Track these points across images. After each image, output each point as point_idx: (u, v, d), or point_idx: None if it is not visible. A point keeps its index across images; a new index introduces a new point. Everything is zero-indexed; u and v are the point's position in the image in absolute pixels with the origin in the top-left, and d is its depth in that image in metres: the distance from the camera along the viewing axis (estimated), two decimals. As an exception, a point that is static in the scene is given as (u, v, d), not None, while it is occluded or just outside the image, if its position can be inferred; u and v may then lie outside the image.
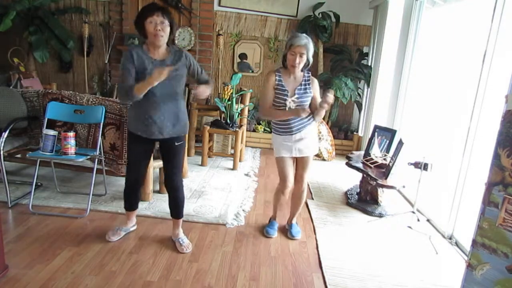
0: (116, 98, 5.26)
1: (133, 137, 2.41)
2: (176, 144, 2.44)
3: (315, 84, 2.68)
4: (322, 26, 5.32)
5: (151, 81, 2.13)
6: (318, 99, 2.62)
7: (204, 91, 2.38)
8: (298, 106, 2.57)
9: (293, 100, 2.57)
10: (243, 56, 5.81)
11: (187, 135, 2.65)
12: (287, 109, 2.57)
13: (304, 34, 2.52)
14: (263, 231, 2.93)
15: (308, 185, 4.10)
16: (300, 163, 2.77)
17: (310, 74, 2.66)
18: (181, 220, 2.65)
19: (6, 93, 3.24)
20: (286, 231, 2.95)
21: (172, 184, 2.53)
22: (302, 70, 2.61)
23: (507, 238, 1.81)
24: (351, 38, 5.74)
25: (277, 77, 2.60)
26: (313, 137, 2.74)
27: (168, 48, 2.36)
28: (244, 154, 4.90)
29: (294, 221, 2.99)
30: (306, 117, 2.61)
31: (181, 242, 2.59)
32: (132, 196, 2.64)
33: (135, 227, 2.79)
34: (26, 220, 2.78)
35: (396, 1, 4.64)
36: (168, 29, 2.24)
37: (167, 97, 2.33)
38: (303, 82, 2.62)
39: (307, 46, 2.49)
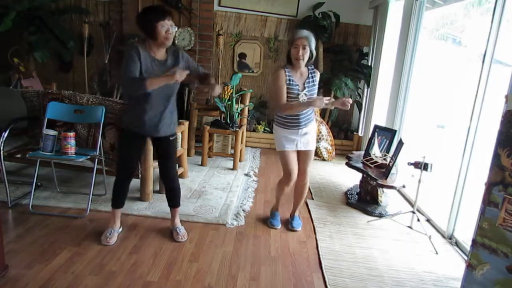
0: (116, 97, 5.28)
1: (129, 133, 2.51)
2: (171, 138, 2.57)
3: (318, 75, 2.81)
4: (322, 26, 5.32)
5: (170, 79, 2.25)
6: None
7: (218, 89, 2.55)
8: (309, 99, 2.65)
9: (305, 94, 2.67)
10: (242, 56, 5.81)
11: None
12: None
13: (305, 30, 2.64)
14: (267, 222, 3.05)
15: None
16: (303, 157, 2.85)
17: (313, 67, 2.78)
18: (178, 209, 2.77)
19: (6, 93, 3.24)
20: (287, 224, 3.05)
21: (168, 176, 2.65)
22: (306, 65, 2.70)
23: (507, 238, 1.81)
24: (351, 38, 5.73)
25: (286, 73, 2.65)
26: (315, 132, 2.89)
27: (166, 49, 2.45)
28: (244, 154, 4.90)
29: (296, 214, 3.09)
30: (311, 112, 2.76)
31: (178, 231, 2.70)
32: (123, 193, 2.65)
33: (121, 229, 2.74)
34: (26, 220, 2.78)
35: (396, 1, 4.64)
36: (174, 31, 2.35)
37: (165, 97, 2.44)
38: (309, 75, 2.73)
39: (309, 37, 2.58)
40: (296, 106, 2.64)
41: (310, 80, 2.72)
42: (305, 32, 2.59)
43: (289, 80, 2.65)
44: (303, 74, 2.71)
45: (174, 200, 2.72)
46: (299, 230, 2.99)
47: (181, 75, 2.25)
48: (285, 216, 3.17)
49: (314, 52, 2.65)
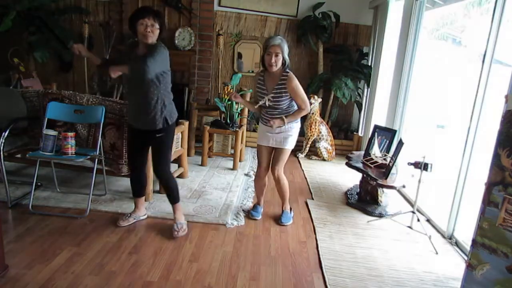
0: (116, 97, 5.28)
1: (128, 127, 2.73)
2: (157, 135, 2.61)
3: (292, 82, 2.77)
4: (322, 26, 5.32)
5: (119, 69, 2.45)
6: (301, 96, 2.81)
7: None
8: (275, 104, 2.82)
9: (269, 99, 2.83)
10: (239, 56, 5.81)
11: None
12: (261, 103, 2.86)
13: (279, 36, 2.80)
14: (249, 214, 3.17)
15: (308, 184, 4.12)
16: (275, 154, 3.01)
17: (288, 73, 2.79)
18: (177, 205, 2.82)
19: (6, 93, 3.24)
20: (278, 220, 3.14)
21: (157, 173, 2.75)
22: (283, 69, 2.80)
23: (507, 238, 1.81)
24: (351, 38, 5.73)
25: (259, 78, 2.91)
26: (293, 133, 2.94)
27: (145, 45, 2.50)
28: (244, 154, 4.90)
29: (286, 209, 3.20)
30: (281, 112, 2.85)
31: (175, 226, 2.75)
32: (135, 184, 2.85)
33: (145, 216, 2.95)
34: (26, 220, 2.78)
35: (396, 1, 4.64)
36: (157, 31, 2.47)
37: (136, 87, 2.53)
38: (279, 82, 2.80)
39: (281, 45, 2.71)
40: (247, 104, 3.17)
41: (280, 84, 2.79)
42: (277, 40, 2.71)
43: (259, 83, 2.89)
44: (274, 79, 2.82)
45: (170, 197, 2.81)
46: (287, 225, 3.09)
47: (76, 48, 2.54)
48: (273, 215, 3.25)
49: (288, 59, 2.78)
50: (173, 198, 2.79)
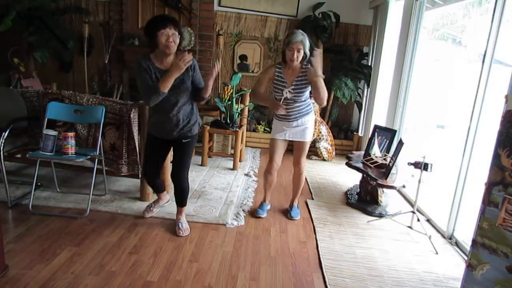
0: (116, 97, 5.28)
1: (150, 137, 2.71)
2: (184, 141, 2.65)
3: (312, 70, 2.83)
4: (322, 26, 5.32)
5: (177, 69, 2.34)
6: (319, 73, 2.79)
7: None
8: (295, 96, 2.85)
9: (289, 91, 2.85)
10: (243, 57, 5.80)
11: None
12: (283, 98, 2.86)
13: (300, 31, 2.78)
14: (254, 212, 3.19)
15: (308, 184, 4.11)
16: (295, 147, 3.07)
17: (308, 65, 2.85)
18: (184, 208, 2.86)
19: (6, 93, 3.24)
20: (287, 214, 3.23)
21: (178, 177, 2.72)
22: (300, 63, 2.83)
23: (507, 238, 1.81)
24: (351, 38, 5.73)
25: (277, 70, 2.90)
26: (310, 125, 3.01)
27: (175, 55, 2.48)
28: (244, 154, 4.90)
29: (295, 204, 3.27)
30: (304, 107, 2.92)
31: (180, 226, 2.80)
32: (154, 185, 2.93)
33: (169, 202, 3.08)
34: (26, 220, 2.78)
35: (396, 1, 4.64)
36: (178, 39, 2.42)
37: (173, 101, 2.51)
38: (300, 74, 2.85)
39: (303, 41, 2.74)
40: (259, 97, 3.04)
41: (299, 78, 2.84)
42: (300, 36, 2.73)
43: (277, 76, 2.89)
44: (294, 72, 2.85)
45: (181, 200, 2.81)
46: (297, 219, 3.16)
47: (184, 61, 2.31)
48: (285, 207, 3.33)
49: (308, 53, 2.81)
50: (185, 201, 2.82)
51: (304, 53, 2.77)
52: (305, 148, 3.05)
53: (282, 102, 2.87)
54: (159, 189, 2.97)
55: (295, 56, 2.73)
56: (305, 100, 2.92)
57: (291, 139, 3.00)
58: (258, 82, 3.01)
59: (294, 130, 2.95)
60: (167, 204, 3.07)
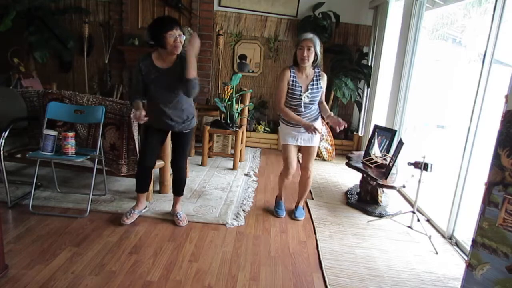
0: (116, 97, 5.28)
1: (149, 128, 2.75)
2: (184, 132, 2.77)
3: (325, 78, 2.96)
4: (322, 26, 5.32)
5: (191, 56, 2.41)
6: (324, 93, 2.94)
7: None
8: (311, 101, 2.87)
9: (306, 96, 2.84)
10: (242, 57, 5.80)
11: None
12: (302, 103, 2.84)
13: (310, 32, 2.82)
14: (273, 211, 3.27)
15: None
16: (304, 152, 3.06)
17: (320, 70, 2.91)
18: (181, 198, 2.98)
19: (6, 93, 3.24)
20: (291, 214, 3.26)
21: (177, 166, 2.85)
22: (312, 67, 2.86)
23: (507, 238, 1.81)
24: (351, 38, 5.73)
25: (291, 73, 2.86)
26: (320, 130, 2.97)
27: (182, 56, 2.57)
28: (244, 154, 4.90)
29: (301, 205, 3.29)
30: (316, 112, 2.93)
31: (179, 216, 2.91)
32: (144, 178, 2.92)
33: (147, 209, 3.04)
34: (26, 220, 2.78)
35: (396, 1, 4.64)
36: (183, 40, 2.53)
37: (168, 93, 2.61)
38: (314, 78, 2.88)
39: (313, 39, 2.75)
40: (292, 117, 2.86)
41: (315, 83, 2.87)
42: (310, 34, 2.75)
43: (293, 81, 2.84)
44: (308, 77, 2.87)
45: (178, 189, 2.94)
46: (301, 220, 3.19)
47: (193, 42, 2.41)
48: (291, 207, 3.34)
49: (319, 54, 2.82)
50: (182, 190, 2.94)
51: (315, 53, 2.76)
52: (314, 152, 3.06)
53: (303, 107, 2.87)
54: (145, 186, 2.93)
55: (306, 54, 2.71)
56: (317, 106, 2.94)
57: (301, 145, 2.99)
58: (279, 92, 2.87)
59: (305, 135, 2.94)
60: (146, 210, 3.01)
